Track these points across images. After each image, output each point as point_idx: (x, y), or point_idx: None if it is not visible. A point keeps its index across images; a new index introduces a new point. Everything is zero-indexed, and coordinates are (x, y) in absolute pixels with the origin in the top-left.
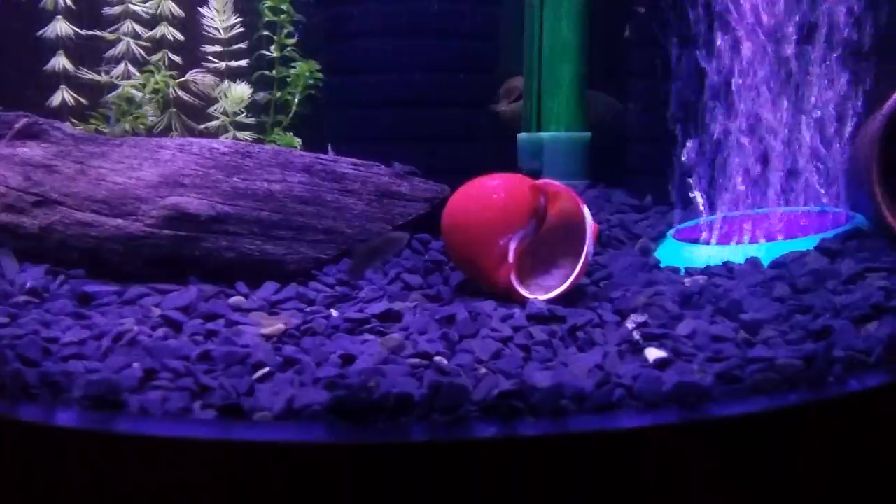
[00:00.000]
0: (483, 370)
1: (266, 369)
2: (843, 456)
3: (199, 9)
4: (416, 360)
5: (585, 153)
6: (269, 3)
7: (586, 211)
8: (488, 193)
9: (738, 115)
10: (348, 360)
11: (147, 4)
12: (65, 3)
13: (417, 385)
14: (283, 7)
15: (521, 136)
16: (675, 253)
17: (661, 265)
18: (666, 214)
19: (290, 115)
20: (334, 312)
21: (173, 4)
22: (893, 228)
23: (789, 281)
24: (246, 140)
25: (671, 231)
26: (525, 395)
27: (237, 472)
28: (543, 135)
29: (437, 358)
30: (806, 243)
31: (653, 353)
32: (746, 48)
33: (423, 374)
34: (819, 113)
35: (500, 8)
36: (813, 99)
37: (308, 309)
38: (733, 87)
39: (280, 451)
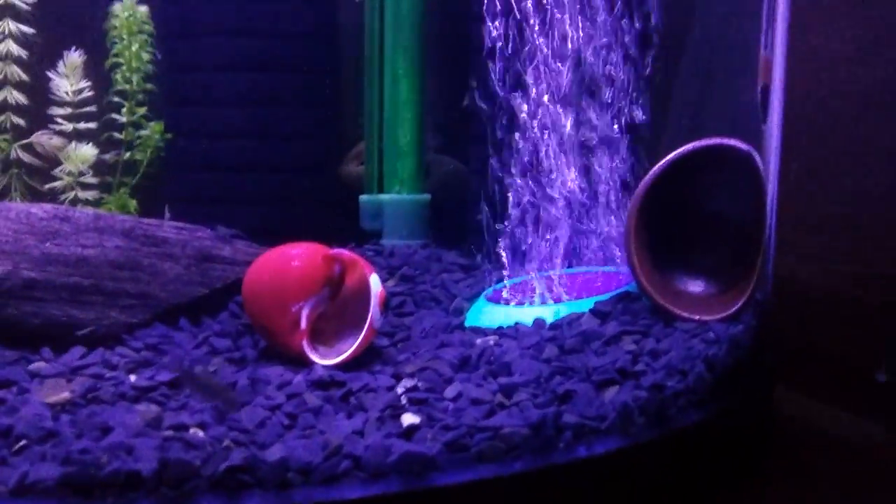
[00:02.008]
0: (227, 443)
1: (23, 442)
2: None
3: (48, 73)
4: (170, 433)
5: (424, 214)
6: (119, 74)
7: (373, 279)
8: (284, 262)
9: (544, 179)
10: (105, 432)
11: None
12: None
13: (156, 459)
14: (133, 78)
15: (363, 197)
16: (481, 313)
17: (466, 325)
18: (489, 275)
19: (138, 175)
20: (132, 378)
21: (18, 69)
22: (651, 295)
23: (560, 342)
24: (88, 199)
25: (487, 291)
26: (253, 468)
27: None
28: (383, 197)
29: (192, 430)
30: (587, 304)
31: (407, 419)
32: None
33: (171, 448)
34: (615, 178)
35: (339, 77)
36: (611, 163)
37: (107, 374)
38: (536, 153)
39: None
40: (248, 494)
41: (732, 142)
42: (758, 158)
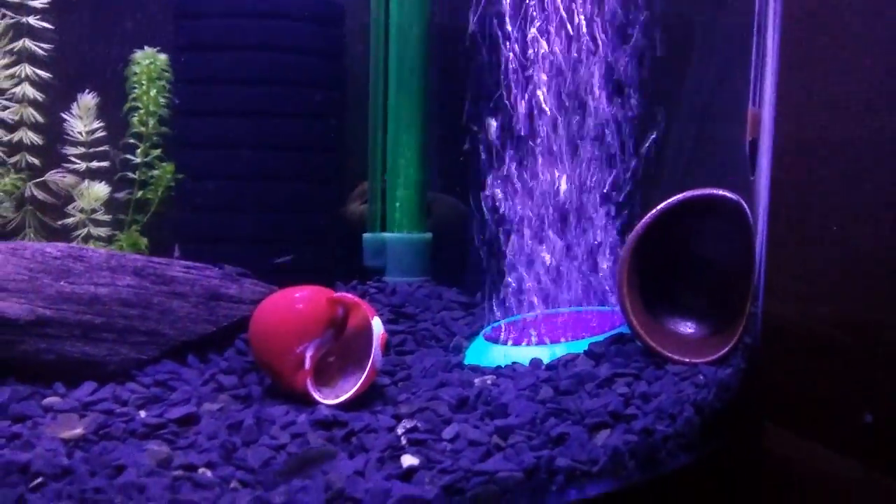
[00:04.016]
0: (234, 484)
1: (40, 479)
2: None
3: (62, 114)
4: (180, 472)
5: (426, 252)
6: (137, 117)
7: (375, 322)
8: (289, 304)
9: (541, 221)
10: (119, 470)
11: (9, 111)
12: None
13: (167, 500)
14: (150, 121)
15: (366, 236)
16: (479, 352)
17: (465, 363)
18: (488, 313)
19: (149, 214)
20: (142, 413)
21: (34, 111)
22: (642, 338)
23: (555, 383)
24: (101, 236)
25: (485, 330)
26: None
27: None
28: (386, 235)
29: (200, 470)
30: (583, 345)
31: (407, 461)
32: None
33: (181, 488)
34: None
35: (343, 121)
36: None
37: (118, 410)
38: (534, 197)
39: None
40: None
41: (722, 192)
42: (746, 208)
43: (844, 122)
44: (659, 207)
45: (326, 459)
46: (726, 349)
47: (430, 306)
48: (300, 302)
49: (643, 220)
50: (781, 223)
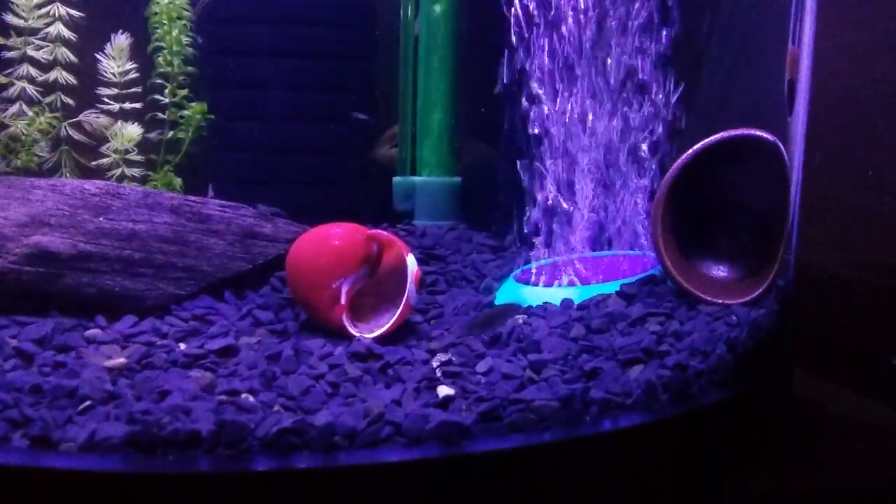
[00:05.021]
0: (277, 408)
1: (88, 402)
2: (597, 490)
3: (97, 55)
4: (224, 398)
5: (455, 197)
6: (161, 58)
7: (410, 259)
8: (325, 240)
9: (574, 164)
10: (164, 395)
11: (43, 51)
12: None
13: (213, 421)
14: (175, 61)
15: (396, 179)
16: (510, 293)
17: (496, 304)
18: (518, 256)
19: (180, 154)
20: (182, 346)
21: (67, 51)
22: (676, 279)
23: (587, 322)
24: (134, 176)
25: (515, 272)
26: (302, 431)
27: (44, 496)
28: (416, 179)
29: (243, 395)
30: (614, 287)
31: (443, 391)
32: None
33: (225, 411)
34: (643, 163)
35: (375, 64)
36: (639, 149)
37: (158, 342)
38: (569, 138)
39: (81, 479)
40: (298, 455)
41: (759, 132)
42: (783, 149)
43: (888, 65)
44: (694, 148)
45: (509, 315)
46: (759, 291)
47: (460, 248)
48: (336, 238)
49: (678, 162)
50: (817, 165)
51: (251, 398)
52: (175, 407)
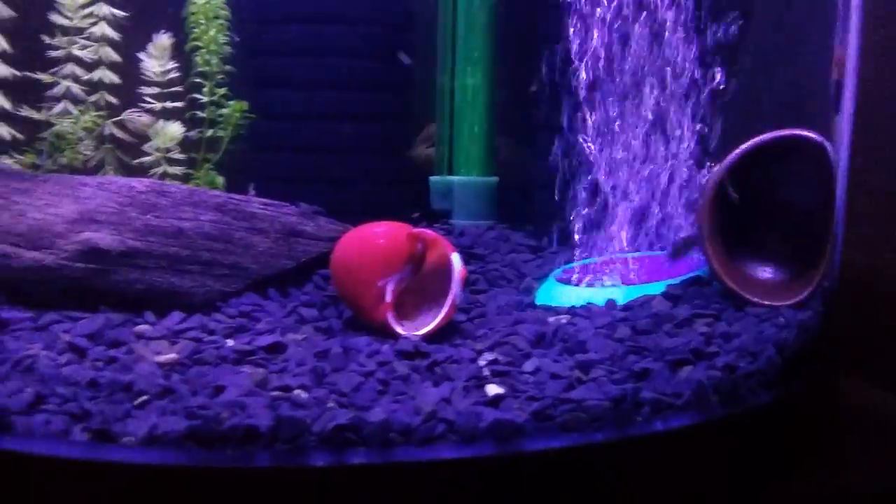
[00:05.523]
0: (331, 404)
1: (145, 397)
2: (648, 490)
3: (138, 55)
4: (278, 393)
5: (492, 196)
6: (199, 57)
7: (455, 258)
8: (370, 239)
9: (616, 164)
10: (218, 390)
11: (87, 50)
12: (3, 46)
13: (270, 416)
14: (212, 60)
15: (433, 178)
16: (551, 293)
17: (537, 304)
18: (557, 256)
19: (220, 152)
20: (230, 342)
21: (111, 51)
22: (724, 280)
23: (632, 323)
24: (176, 174)
25: (556, 272)
26: (358, 427)
27: (104, 489)
28: (453, 178)
29: (296, 391)
30: (658, 287)
31: (492, 390)
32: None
33: (280, 407)
34: (689, 162)
35: (412, 64)
36: (685, 148)
37: (207, 338)
38: (608, 139)
39: (141, 473)
40: (354, 451)
41: (806, 132)
42: (830, 149)
43: None
44: (741, 148)
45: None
46: (807, 293)
47: (498, 248)
48: (381, 237)
49: (724, 162)
50: (862, 166)
51: (304, 394)
52: (231, 402)
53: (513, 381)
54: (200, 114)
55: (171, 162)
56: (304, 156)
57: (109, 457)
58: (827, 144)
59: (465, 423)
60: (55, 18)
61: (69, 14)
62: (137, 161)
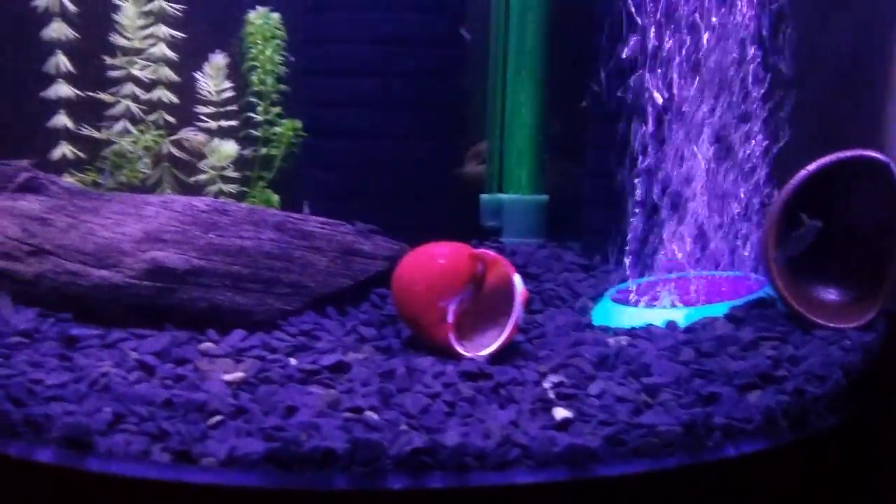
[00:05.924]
0: (403, 426)
1: (219, 417)
2: None
3: (195, 74)
4: (349, 415)
5: (542, 214)
6: (255, 76)
7: (517, 279)
8: (432, 260)
9: (672, 182)
10: (291, 411)
11: (146, 70)
12: (66, 67)
13: (345, 439)
14: (268, 80)
15: (483, 196)
16: (608, 313)
17: (594, 324)
18: (610, 275)
19: (274, 170)
20: (293, 361)
21: (170, 71)
22: (789, 303)
23: (696, 345)
24: (231, 192)
25: (610, 291)
26: (434, 451)
27: None
28: (503, 196)
29: (367, 413)
30: (720, 309)
31: (560, 413)
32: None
33: (353, 428)
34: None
35: (463, 81)
36: (747, 169)
37: (270, 357)
38: (666, 157)
39: (221, 494)
40: (431, 475)
41: (872, 153)
42: None
43: None
44: (806, 170)
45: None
46: (872, 315)
47: (551, 267)
48: (442, 257)
49: (790, 184)
50: None
51: (375, 416)
52: (305, 424)
53: (580, 404)
54: (255, 132)
55: (226, 180)
56: (356, 173)
57: (191, 478)
58: (893, 165)
59: (539, 447)
60: (115, 39)
61: (129, 35)
62: (193, 179)
